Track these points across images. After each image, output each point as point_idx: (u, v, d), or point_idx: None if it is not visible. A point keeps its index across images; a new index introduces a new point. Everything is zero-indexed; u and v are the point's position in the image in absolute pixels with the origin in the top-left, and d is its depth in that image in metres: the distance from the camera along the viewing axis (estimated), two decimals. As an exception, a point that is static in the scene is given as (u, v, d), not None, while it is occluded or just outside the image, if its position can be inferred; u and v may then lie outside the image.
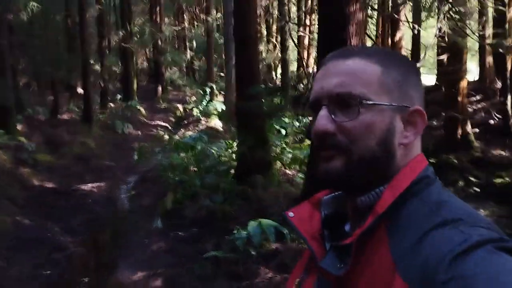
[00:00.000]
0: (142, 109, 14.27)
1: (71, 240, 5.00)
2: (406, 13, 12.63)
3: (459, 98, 8.97)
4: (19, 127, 9.20)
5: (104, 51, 15.03)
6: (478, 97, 10.46)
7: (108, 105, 14.12)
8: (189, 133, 10.13)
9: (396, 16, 10.40)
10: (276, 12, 16.85)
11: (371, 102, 0.63)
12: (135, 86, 16.21)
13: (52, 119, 11.57)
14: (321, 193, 0.73)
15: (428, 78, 14.19)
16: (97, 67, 15.15)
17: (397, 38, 14.14)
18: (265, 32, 18.20)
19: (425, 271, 0.52)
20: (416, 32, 11.05)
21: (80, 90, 13.47)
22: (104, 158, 9.43)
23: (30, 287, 3.77)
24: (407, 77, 0.67)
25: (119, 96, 15.61)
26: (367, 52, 0.68)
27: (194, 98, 15.36)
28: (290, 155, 6.39)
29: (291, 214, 0.70)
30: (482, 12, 8.33)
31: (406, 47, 15.12)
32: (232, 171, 5.77)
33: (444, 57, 9.46)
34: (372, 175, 0.64)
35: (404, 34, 14.76)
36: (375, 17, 14.64)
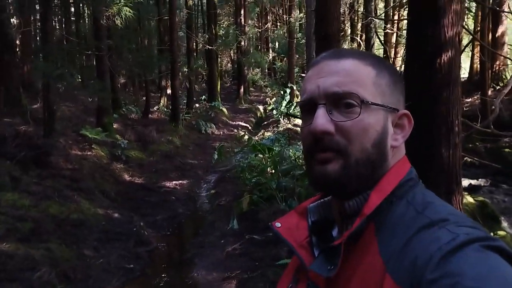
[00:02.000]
0: (224, 110, 14.69)
1: (153, 235, 5.26)
2: (510, 5, 11.34)
3: None
4: (114, 125, 9.98)
5: (191, 53, 15.75)
6: None
7: (194, 105, 14.78)
8: (268, 134, 10.16)
9: (498, 8, 9.37)
10: (361, 9, 16.23)
11: (370, 102, 0.63)
12: (219, 87, 16.77)
13: (144, 118, 12.42)
14: (306, 202, 0.74)
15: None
16: (185, 68, 15.96)
17: (499, 33, 12.78)
18: (349, 30, 17.63)
19: (414, 271, 0.53)
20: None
21: (169, 91, 14.27)
22: (187, 156, 9.86)
23: (114, 278, 4.02)
24: (396, 82, 0.69)
25: (204, 97, 16.26)
26: (359, 54, 0.68)
27: (274, 99, 15.44)
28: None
29: (278, 224, 0.71)
30: None
31: (509, 43, 13.61)
32: (310, 175, 5.62)
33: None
34: (366, 178, 0.64)
35: (508, 29, 13.29)
36: (474, 9, 13.40)
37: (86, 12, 17.64)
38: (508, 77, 12.57)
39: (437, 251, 0.52)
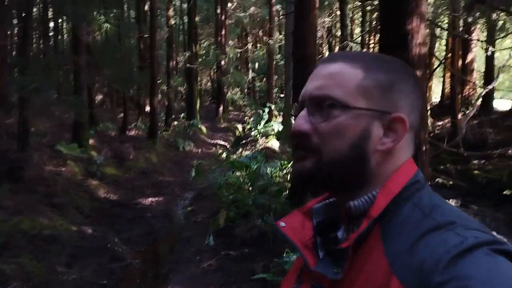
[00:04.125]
0: (203, 128, 14.74)
1: (128, 251, 5.20)
2: (478, 33, 11.94)
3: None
4: (90, 141, 9.87)
5: (171, 71, 15.83)
6: None
7: (172, 123, 14.76)
8: (247, 152, 10.25)
9: (466, 36, 9.87)
10: (339, 33, 16.76)
11: (345, 105, 0.64)
12: (198, 105, 16.84)
13: (121, 135, 12.32)
14: (311, 202, 0.73)
15: (503, 103, 13.19)
16: (164, 86, 15.99)
17: (468, 59, 13.38)
18: (327, 53, 18.13)
19: (422, 273, 0.53)
20: (489, 53, 10.38)
21: (147, 108, 14.25)
22: (164, 173, 9.81)
23: (87, 294, 3.95)
24: (395, 84, 0.66)
25: (182, 115, 16.27)
26: (353, 56, 0.68)
27: (253, 118, 15.60)
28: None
29: (282, 224, 0.71)
30: None
31: (478, 69, 14.27)
32: (286, 192, 5.70)
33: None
34: (344, 177, 0.65)
35: (477, 56, 13.95)
36: (445, 37, 14.00)
37: (65, 27, 17.57)
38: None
39: (445, 254, 0.52)
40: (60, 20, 15.32)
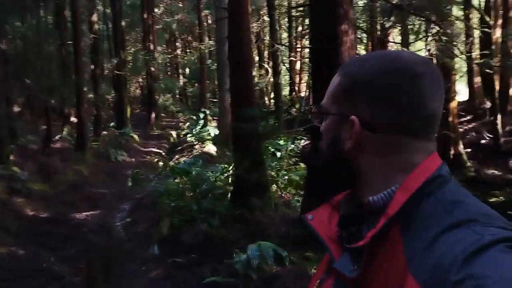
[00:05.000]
0: (135, 136, 14.27)
1: (66, 269, 4.90)
2: (394, 36, 12.94)
3: (450, 119, 9.08)
4: (12, 156, 9.13)
5: (98, 79, 15.13)
6: (468, 117, 10.62)
7: (102, 132, 14.11)
8: (183, 158, 10.12)
9: (384, 38, 10.66)
10: (267, 38, 17.19)
11: (325, 112, 0.72)
12: (128, 113, 16.25)
13: (46, 148, 11.51)
14: (340, 195, 0.74)
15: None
16: (91, 95, 15.24)
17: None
18: (257, 58, 18.50)
19: (438, 272, 0.52)
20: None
21: (73, 118, 13.47)
22: (98, 186, 9.35)
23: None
24: (355, 86, 0.67)
25: (112, 124, 15.62)
26: (344, 64, 0.72)
27: (187, 124, 15.43)
28: (286, 178, 6.40)
29: (310, 217, 0.73)
30: (468, 34, 8.58)
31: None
32: (229, 195, 5.75)
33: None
34: (337, 174, 0.72)
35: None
36: (365, 40, 14.96)
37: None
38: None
39: (461, 252, 0.51)
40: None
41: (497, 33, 7.87)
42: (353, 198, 0.71)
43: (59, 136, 13.15)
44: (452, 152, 8.99)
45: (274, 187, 6.11)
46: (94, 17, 14.61)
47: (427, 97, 0.65)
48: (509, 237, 0.52)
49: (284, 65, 14.56)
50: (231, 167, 6.42)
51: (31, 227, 6.27)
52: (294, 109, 14.74)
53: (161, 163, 9.89)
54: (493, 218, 0.57)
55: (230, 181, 6.23)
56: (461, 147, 9.12)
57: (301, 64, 17.01)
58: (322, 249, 0.72)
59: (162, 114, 19.33)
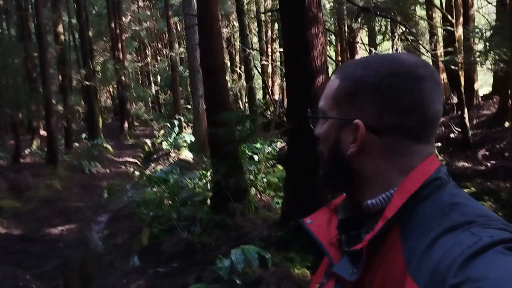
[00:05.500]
0: (109, 147, 14.00)
1: (44, 287, 4.75)
2: (362, 37, 13.24)
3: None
4: (-21, 174, 8.79)
5: (66, 90, 14.78)
6: (437, 113, 10.91)
7: (73, 145, 13.78)
8: (160, 167, 10.00)
9: (353, 40, 10.89)
10: (238, 43, 17.25)
11: (324, 115, 0.70)
12: (100, 124, 15.94)
13: (15, 163, 11.14)
14: (339, 198, 0.74)
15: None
16: (60, 107, 14.86)
17: (355, 61, 14.76)
18: (228, 63, 18.52)
19: (436, 275, 0.52)
20: (373, 54, 11.57)
21: (42, 132, 13.11)
22: (72, 199, 9.11)
23: None
24: (359, 88, 0.66)
25: (84, 135, 15.28)
26: (342, 67, 0.72)
27: (162, 132, 15.27)
28: (265, 180, 6.42)
29: (308, 221, 0.72)
30: (433, 32, 8.86)
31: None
32: (208, 201, 5.72)
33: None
34: (338, 178, 0.70)
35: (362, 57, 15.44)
36: (334, 41, 15.22)
37: None
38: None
39: (459, 255, 0.51)
40: None
41: (459, 31, 8.17)
42: (352, 202, 0.71)
43: (29, 150, 12.76)
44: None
45: (253, 190, 6.12)
46: (60, 28, 14.29)
47: (429, 99, 0.65)
48: (507, 238, 0.52)
49: (257, 69, 14.64)
50: (209, 173, 6.39)
51: (4, 246, 6.04)
52: (269, 112, 14.82)
53: (137, 173, 9.73)
54: (491, 219, 0.57)
55: (209, 187, 6.19)
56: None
57: (273, 67, 17.13)
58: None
59: (136, 123, 19.05)
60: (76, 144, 14.17)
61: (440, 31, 8.63)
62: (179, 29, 18.91)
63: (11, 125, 13.97)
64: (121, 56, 17.44)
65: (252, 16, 16.61)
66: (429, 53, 7.22)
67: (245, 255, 3.43)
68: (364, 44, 10.98)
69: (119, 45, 17.54)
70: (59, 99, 15.07)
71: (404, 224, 0.60)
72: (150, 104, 21.86)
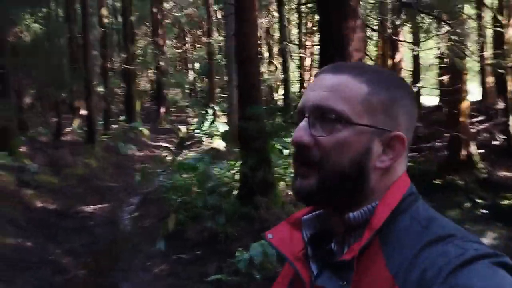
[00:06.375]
0: (145, 130, 14.33)
1: (72, 262, 4.95)
2: (405, 34, 12.78)
3: (461, 119, 8.95)
4: (22, 148, 9.23)
5: (107, 72, 15.21)
6: (480, 118, 10.47)
7: (111, 126, 14.20)
8: (192, 154, 10.15)
9: (395, 37, 10.54)
10: (277, 34, 17.11)
11: (348, 121, 0.63)
12: (138, 107, 16.32)
13: (55, 141, 11.62)
14: (299, 213, 0.72)
15: (430, 99, 14.25)
16: (101, 88, 15.33)
17: (397, 59, 14.29)
18: (267, 54, 18.43)
19: (423, 284, 0.53)
20: (415, 53, 11.17)
21: (83, 112, 13.57)
22: (106, 179, 9.42)
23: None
24: (396, 100, 0.66)
25: (122, 117, 15.71)
26: (358, 69, 0.67)
27: (196, 119, 15.45)
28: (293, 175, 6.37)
29: (270, 235, 0.69)
30: (480, 34, 8.43)
31: (406, 68, 15.28)
32: (235, 192, 5.75)
33: (445, 78, 9.51)
34: (342, 195, 0.64)
35: (404, 55, 14.93)
36: (375, 38, 14.81)
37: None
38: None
39: (446, 265, 0.53)
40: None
41: (510, 33, 7.72)
42: (325, 216, 0.69)
43: (69, 129, 13.27)
44: (463, 153, 8.87)
45: (281, 184, 6.09)
46: (104, 11, 14.67)
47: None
48: (491, 253, 0.55)
49: (294, 62, 14.50)
50: (237, 164, 6.42)
51: (39, 220, 6.33)
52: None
53: (169, 158, 9.93)
54: (467, 234, 0.59)
55: (237, 178, 6.22)
56: (472, 148, 8.99)
57: (311, 61, 16.89)
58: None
59: (172, 109, 19.38)
60: (114, 125, 14.60)
61: (489, 32, 8.19)
62: (218, 17, 18.99)
63: (54, 103, 14.55)
64: (161, 42, 17.72)
65: (292, 6, 16.39)
66: (474, 55, 6.88)
67: (264, 250, 3.42)
68: (406, 42, 10.62)
69: (160, 30, 17.82)
70: (100, 81, 15.54)
71: (383, 236, 0.61)
72: (187, 91, 22.19)
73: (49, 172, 8.78)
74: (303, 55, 15.70)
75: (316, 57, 17.38)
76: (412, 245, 0.58)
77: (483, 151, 8.52)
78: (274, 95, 18.02)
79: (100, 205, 7.44)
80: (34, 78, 12.23)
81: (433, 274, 0.53)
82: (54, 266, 4.64)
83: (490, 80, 10.13)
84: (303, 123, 0.65)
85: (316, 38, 17.02)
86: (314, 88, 0.67)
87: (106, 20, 15.23)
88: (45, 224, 6.21)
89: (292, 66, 15.07)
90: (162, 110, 17.24)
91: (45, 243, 5.26)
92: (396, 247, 0.59)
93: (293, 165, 0.68)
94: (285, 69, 13.25)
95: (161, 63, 17.58)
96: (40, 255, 4.81)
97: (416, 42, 10.07)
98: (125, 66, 15.73)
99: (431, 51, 9.34)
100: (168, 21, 19.92)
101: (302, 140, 0.64)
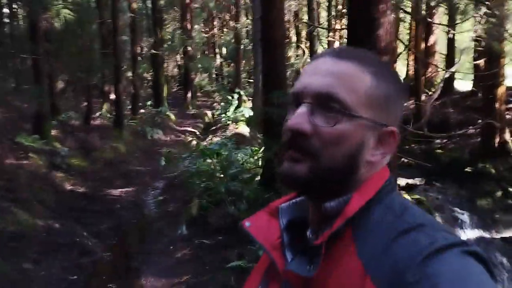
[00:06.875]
0: (171, 115, 14.48)
1: (98, 244, 5.08)
2: (440, 16, 12.22)
3: (497, 105, 8.57)
4: (53, 132, 9.50)
5: (136, 57, 15.37)
6: (517, 103, 9.96)
7: (139, 111, 14.41)
8: (217, 139, 10.17)
9: (429, 19, 10.08)
10: (305, 18, 16.75)
11: (352, 113, 0.61)
12: (165, 92, 16.47)
13: (85, 125, 11.92)
14: (277, 201, 0.71)
15: (463, 84, 13.65)
16: (129, 73, 15.53)
17: (431, 42, 13.71)
18: (294, 38, 18.12)
19: (395, 274, 0.53)
20: (450, 36, 10.67)
21: (112, 96, 13.83)
22: (133, 163, 9.60)
23: (57, 291, 3.83)
24: (393, 96, 0.65)
25: (149, 102, 15.91)
26: (363, 59, 0.64)
27: (222, 104, 15.46)
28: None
29: (247, 223, 0.69)
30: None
31: (440, 52, 14.66)
32: (258, 178, 5.71)
33: (481, 61, 9.07)
34: (332, 185, 0.63)
35: (439, 38, 14.31)
36: (408, 20, 14.25)
37: (21, 14, 16.64)
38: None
39: (417, 254, 0.53)
40: (15, 6, 14.48)
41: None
42: (304, 204, 0.69)
43: (99, 113, 13.56)
44: (497, 140, 8.52)
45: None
46: (133, -4, 14.74)
47: None
48: (460, 242, 0.55)
49: (322, 46, 14.17)
50: (261, 150, 6.36)
51: (68, 202, 6.53)
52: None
53: (194, 143, 9.99)
54: (436, 223, 0.59)
55: (259, 164, 6.18)
56: (507, 135, 8.62)
57: (340, 44, 16.48)
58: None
59: (198, 94, 19.48)
60: (142, 110, 14.82)
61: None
62: (247, 1, 18.75)
63: (85, 88, 14.88)
64: (189, 26, 17.72)
65: (322, -11, 15.96)
66: (514, 37, 6.48)
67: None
68: (441, 25, 10.14)
69: (188, 15, 17.80)
70: (129, 66, 15.74)
71: (357, 225, 0.61)
72: (214, 76, 22.21)
73: (79, 156, 9.02)
74: (331, 39, 15.33)
75: (345, 40, 16.94)
76: (385, 235, 0.58)
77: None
78: (301, 80, 17.76)
79: (126, 189, 7.59)
80: (66, 63, 12.50)
81: (404, 264, 0.53)
82: (81, 248, 4.77)
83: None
84: (303, 108, 0.62)
85: (345, 21, 16.55)
86: (317, 73, 0.63)
87: (135, 5, 15.33)
88: (73, 206, 6.39)
89: (320, 50, 14.73)
90: (189, 95, 17.34)
91: (73, 225, 5.41)
92: (369, 236, 0.59)
93: (283, 148, 0.65)
94: (313, 53, 12.98)
95: (189, 48, 17.61)
96: (68, 237, 4.95)
97: (451, 24, 9.59)
98: (153, 51, 15.84)
99: (467, 33, 8.88)
100: (196, 5, 19.86)
101: (301, 128, 0.61)
